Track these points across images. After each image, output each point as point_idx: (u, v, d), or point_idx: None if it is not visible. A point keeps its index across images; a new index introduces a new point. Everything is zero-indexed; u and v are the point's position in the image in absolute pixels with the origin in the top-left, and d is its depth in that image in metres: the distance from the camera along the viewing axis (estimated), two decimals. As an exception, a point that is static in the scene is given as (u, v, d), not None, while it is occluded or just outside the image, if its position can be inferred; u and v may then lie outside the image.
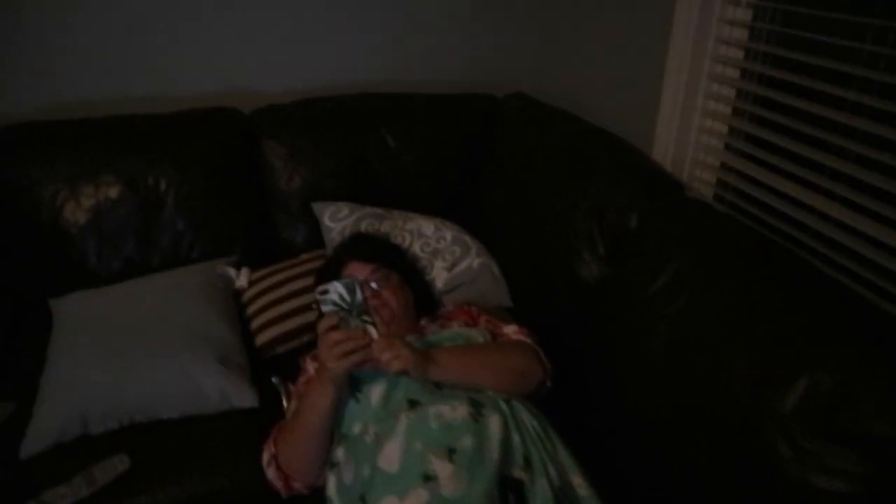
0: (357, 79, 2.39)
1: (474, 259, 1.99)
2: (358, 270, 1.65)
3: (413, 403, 1.37)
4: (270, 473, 1.46)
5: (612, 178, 1.78)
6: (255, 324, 1.92)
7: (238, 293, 2.00)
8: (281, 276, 2.01)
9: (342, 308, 1.31)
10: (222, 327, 1.78)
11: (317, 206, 2.13)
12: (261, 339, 1.89)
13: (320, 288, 1.32)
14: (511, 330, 1.65)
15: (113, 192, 1.97)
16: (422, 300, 1.80)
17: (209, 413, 1.66)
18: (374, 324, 1.32)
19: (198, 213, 2.05)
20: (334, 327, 1.31)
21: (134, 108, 2.11)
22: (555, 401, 1.53)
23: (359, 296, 1.31)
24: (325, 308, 1.32)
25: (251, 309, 1.95)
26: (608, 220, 1.73)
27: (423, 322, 1.73)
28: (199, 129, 2.11)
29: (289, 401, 1.69)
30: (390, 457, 1.28)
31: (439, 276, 1.96)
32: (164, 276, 1.91)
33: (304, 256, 2.12)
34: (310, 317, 1.90)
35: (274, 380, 1.77)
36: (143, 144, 2.04)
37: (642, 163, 1.83)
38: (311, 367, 1.66)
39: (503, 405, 1.39)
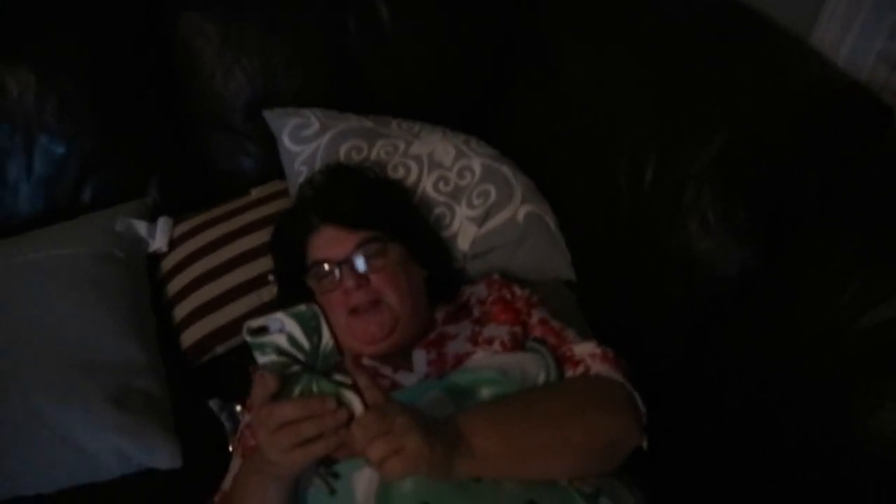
0: None
1: (520, 206, 1.30)
2: (334, 244, 1.05)
3: None
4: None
5: (768, 97, 1.06)
6: (179, 312, 1.29)
7: (153, 260, 1.35)
8: (220, 230, 1.36)
9: (294, 360, 0.73)
10: (122, 335, 1.14)
11: (271, 116, 1.42)
12: (189, 336, 1.26)
13: (253, 324, 0.72)
14: (586, 352, 1.02)
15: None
16: (439, 279, 1.16)
17: (104, 481, 1.07)
18: (354, 387, 0.73)
19: (83, 133, 1.35)
20: (280, 395, 0.74)
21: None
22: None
23: (326, 337, 0.73)
24: (264, 360, 0.73)
25: (174, 286, 1.31)
26: (760, 173, 1.05)
27: (438, 315, 1.11)
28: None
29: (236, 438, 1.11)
30: None
31: (465, 231, 1.28)
32: (27, 244, 1.24)
33: (256, 193, 1.45)
34: (264, 294, 1.29)
35: (213, 405, 1.19)
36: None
37: (823, 67, 1.10)
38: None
39: None
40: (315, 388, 0.72)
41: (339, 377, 0.72)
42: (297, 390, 0.72)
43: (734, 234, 1.07)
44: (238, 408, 1.18)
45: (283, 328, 0.71)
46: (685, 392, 1.12)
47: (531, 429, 0.86)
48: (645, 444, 0.94)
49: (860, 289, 0.89)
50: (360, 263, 1.02)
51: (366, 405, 0.72)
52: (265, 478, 0.81)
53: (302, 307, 0.71)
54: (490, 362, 0.98)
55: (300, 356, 0.72)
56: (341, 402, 0.72)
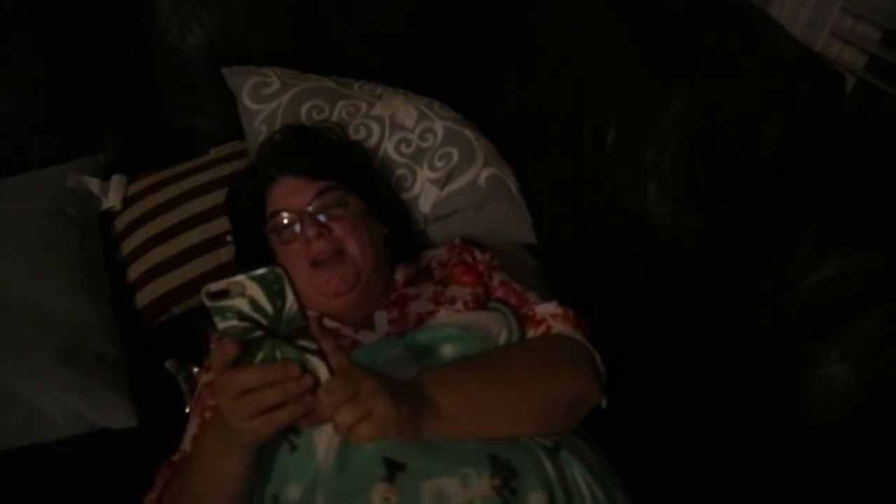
0: None
1: (482, 169, 1.29)
2: (294, 193, 1.02)
3: (393, 467, 0.80)
4: (157, 546, 0.92)
5: (730, 63, 1.06)
6: (134, 271, 1.24)
7: (107, 219, 1.29)
8: (176, 189, 1.31)
9: (256, 325, 0.68)
10: (73, 293, 1.10)
11: (231, 74, 1.37)
12: (144, 296, 1.22)
13: (212, 287, 0.67)
14: (548, 312, 1.02)
15: None
16: (398, 237, 1.14)
17: (55, 440, 1.03)
18: (319, 353, 0.69)
19: (31, 86, 1.28)
20: (242, 361, 0.70)
21: None
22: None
23: (290, 301, 0.68)
24: (224, 325, 0.68)
25: (128, 245, 1.26)
26: (720, 137, 1.05)
27: (399, 276, 1.10)
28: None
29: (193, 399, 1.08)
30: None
31: (426, 194, 1.27)
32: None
33: (214, 153, 1.40)
34: (222, 255, 1.25)
35: (169, 366, 1.16)
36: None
37: (781, 37, 1.09)
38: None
39: (548, 467, 0.83)
40: (278, 354, 0.69)
41: (303, 342, 0.68)
42: (259, 356, 0.69)
43: (693, 197, 1.07)
44: (195, 369, 1.15)
45: (245, 292, 0.66)
46: (645, 351, 1.12)
47: (494, 389, 0.86)
48: (604, 403, 0.95)
49: (811, 247, 0.90)
50: (321, 212, 0.99)
51: (331, 370, 0.69)
52: (228, 445, 0.78)
53: (264, 270, 0.66)
54: (452, 320, 0.97)
55: (263, 321, 0.67)
56: (306, 368, 0.69)
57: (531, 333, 1.00)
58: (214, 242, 1.24)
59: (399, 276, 1.10)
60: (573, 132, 1.22)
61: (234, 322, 0.67)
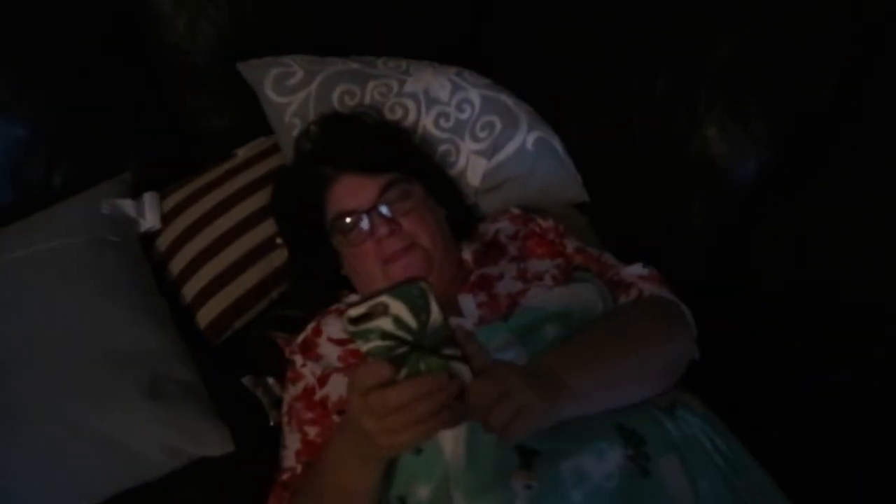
0: None
1: (527, 133, 1.25)
2: (357, 192, 0.99)
3: (528, 455, 0.78)
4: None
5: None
6: (188, 291, 1.18)
7: (147, 240, 1.23)
8: (213, 199, 1.24)
9: (401, 342, 0.65)
10: (139, 324, 1.04)
11: (248, 69, 1.30)
12: (205, 315, 1.17)
13: (353, 312, 0.63)
14: (635, 274, 1.00)
15: None
16: (456, 217, 1.12)
17: (154, 479, 0.98)
18: (461, 358, 0.66)
19: (47, 110, 1.21)
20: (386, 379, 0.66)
21: None
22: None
23: (435, 313, 0.65)
24: (368, 346, 0.64)
25: (176, 265, 1.20)
26: (783, 78, 1.04)
27: (467, 255, 1.07)
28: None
29: (278, 412, 1.06)
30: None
31: (473, 167, 1.23)
32: (12, 240, 1.10)
33: (241, 153, 1.33)
34: (275, 259, 1.20)
35: (246, 382, 1.12)
36: None
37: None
38: (306, 369, 1.00)
39: (671, 428, 0.83)
40: (423, 367, 0.66)
41: (447, 351, 0.66)
42: (403, 372, 0.66)
43: (751, 136, 1.07)
44: (271, 380, 1.12)
45: (388, 311, 0.64)
46: (709, 296, 1.12)
47: (617, 359, 0.85)
48: (697, 355, 0.94)
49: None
50: (388, 208, 0.97)
51: (473, 373, 0.67)
52: (365, 459, 0.76)
53: (407, 285, 0.64)
54: (549, 297, 0.95)
55: (407, 337, 0.65)
56: (450, 375, 0.66)
57: (623, 298, 0.98)
58: (264, 248, 1.19)
59: (467, 254, 1.07)
60: (616, 82, 1.21)
61: (378, 342, 0.64)
